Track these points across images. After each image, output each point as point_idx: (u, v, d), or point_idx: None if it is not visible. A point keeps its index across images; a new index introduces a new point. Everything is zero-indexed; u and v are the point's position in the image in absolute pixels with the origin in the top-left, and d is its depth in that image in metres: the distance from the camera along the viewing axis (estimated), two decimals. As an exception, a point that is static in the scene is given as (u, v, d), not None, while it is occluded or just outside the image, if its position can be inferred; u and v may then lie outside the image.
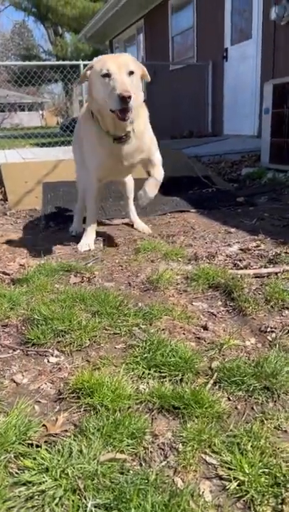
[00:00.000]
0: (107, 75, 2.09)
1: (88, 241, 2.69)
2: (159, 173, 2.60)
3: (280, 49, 6.01)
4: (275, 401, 1.22)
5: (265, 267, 2.18)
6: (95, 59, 2.25)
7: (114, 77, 2.07)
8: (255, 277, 2.10)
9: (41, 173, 4.68)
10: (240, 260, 2.32)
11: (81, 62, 7.10)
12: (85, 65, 7.00)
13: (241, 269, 2.21)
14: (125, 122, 2.17)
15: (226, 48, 7.35)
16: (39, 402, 1.29)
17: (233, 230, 2.95)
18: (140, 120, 2.38)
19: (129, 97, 1.99)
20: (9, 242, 2.89)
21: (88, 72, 2.25)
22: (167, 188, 3.29)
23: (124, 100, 2.00)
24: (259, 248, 2.50)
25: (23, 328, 1.68)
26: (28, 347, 1.56)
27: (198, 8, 8.14)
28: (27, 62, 9.90)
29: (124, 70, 2.11)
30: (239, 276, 2.05)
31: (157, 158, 2.60)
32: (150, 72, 2.38)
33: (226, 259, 2.38)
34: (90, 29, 11.81)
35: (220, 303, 1.88)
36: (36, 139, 10.65)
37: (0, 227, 3.40)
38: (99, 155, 2.46)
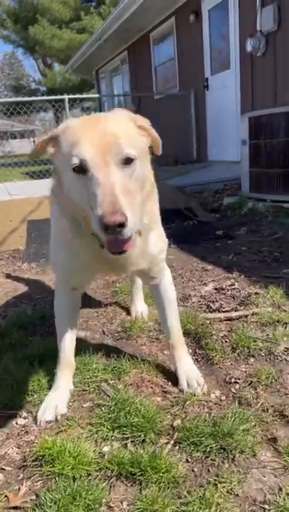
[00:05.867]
0: (82, 170, 1.12)
1: (54, 402, 1.54)
2: (172, 306, 1.75)
3: (257, 78, 6.21)
4: (230, 462, 1.26)
5: (236, 309, 2.23)
6: (62, 126, 1.26)
7: (93, 177, 1.10)
8: (226, 320, 2.15)
9: (26, 210, 4.73)
10: (213, 302, 2.38)
11: (66, 97, 7.29)
12: (70, 100, 7.22)
13: (213, 311, 2.27)
14: (118, 256, 1.21)
15: (207, 77, 7.56)
16: (3, 469, 1.32)
17: (210, 267, 3.01)
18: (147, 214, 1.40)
19: (122, 225, 1.05)
20: (-10, 288, 2.95)
21: (51, 148, 1.26)
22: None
23: (110, 229, 1.06)
24: (233, 287, 2.55)
25: (-5, 387, 1.72)
26: (-2, 408, 1.60)
27: (178, 39, 8.40)
28: (14, 99, 10.22)
29: (114, 159, 1.12)
30: (208, 322, 2.10)
31: (168, 277, 1.77)
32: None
33: (199, 301, 2.44)
34: (76, 62, 12.15)
35: (190, 351, 1.92)
36: (27, 167, 10.79)
37: (-17, 270, 3.45)
38: (71, 254, 1.49)
